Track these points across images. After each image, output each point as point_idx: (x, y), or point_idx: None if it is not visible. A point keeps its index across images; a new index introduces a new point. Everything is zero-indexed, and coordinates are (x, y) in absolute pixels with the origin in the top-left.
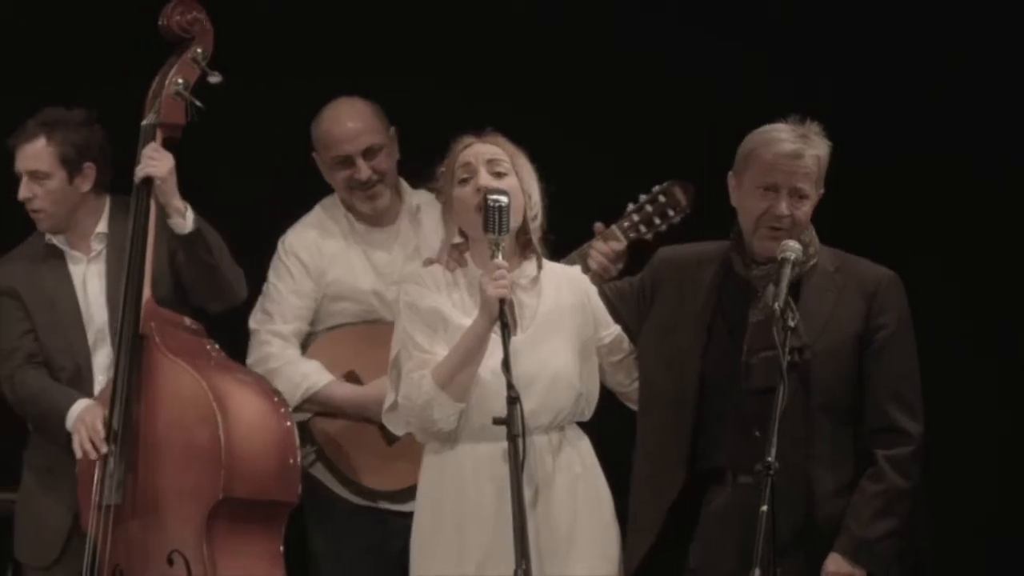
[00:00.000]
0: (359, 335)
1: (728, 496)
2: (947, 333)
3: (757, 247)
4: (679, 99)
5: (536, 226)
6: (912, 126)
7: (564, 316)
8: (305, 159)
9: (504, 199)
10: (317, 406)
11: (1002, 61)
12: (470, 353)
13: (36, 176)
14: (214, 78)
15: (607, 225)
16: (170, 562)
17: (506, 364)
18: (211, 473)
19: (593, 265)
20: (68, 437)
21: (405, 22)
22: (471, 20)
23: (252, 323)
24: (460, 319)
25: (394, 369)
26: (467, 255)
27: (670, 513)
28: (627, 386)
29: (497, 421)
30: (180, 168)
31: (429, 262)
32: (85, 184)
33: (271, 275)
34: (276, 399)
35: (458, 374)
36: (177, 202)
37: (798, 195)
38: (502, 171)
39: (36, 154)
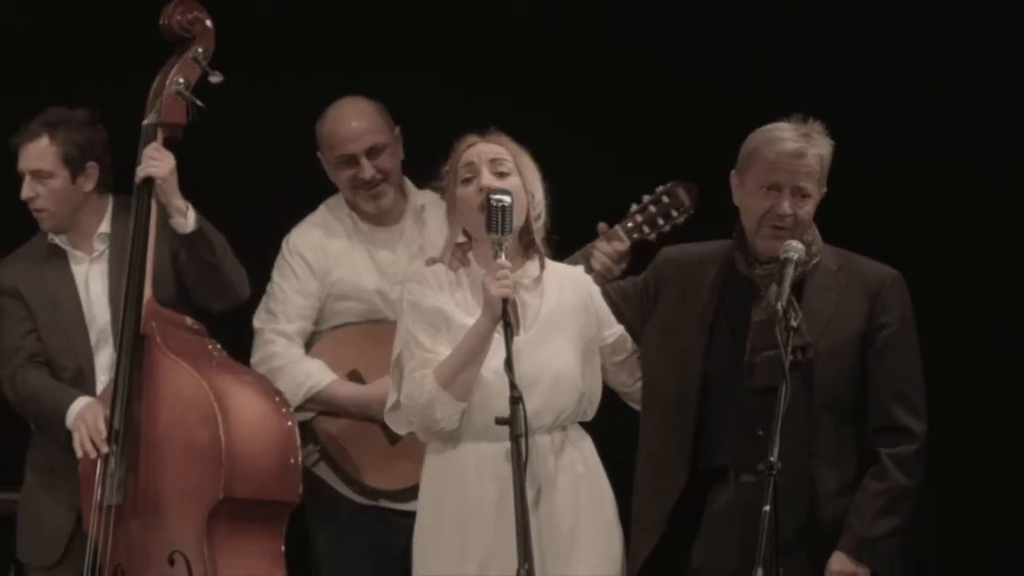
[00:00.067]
0: (363, 334)
1: (731, 495)
2: (947, 333)
3: (760, 246)
4: (680, 99)
5: (540, 226)
6: (913, 126)
7: (567, 316)
8: (306, 159)
9: (507, 199)
10: (320, 405)
11: (1002, 61)
12: (472, 353)
13: (39, 175)
14: (215, 78)
15: (611, 225)
16: (171, 562)
17: (509, 364)
18: (211, 473)
19: (596, 265)
20: (69, 435)
21: (406, 22)
22: (472, 20)
23: (256, 322)
24: (463, 318)
25: (396, 368)
26: (470, 255)
27: (673, 513)
28: (630, 386)
29: (500, 421)
30: (181, 168)
31: (432, 261)
32: (88, 184)
33: (275, 275)
34: (277, 399)
35: (460, 374)
36: (179, 202)
37: (801, 194)
38: (505, 171)
39: (39, 153)
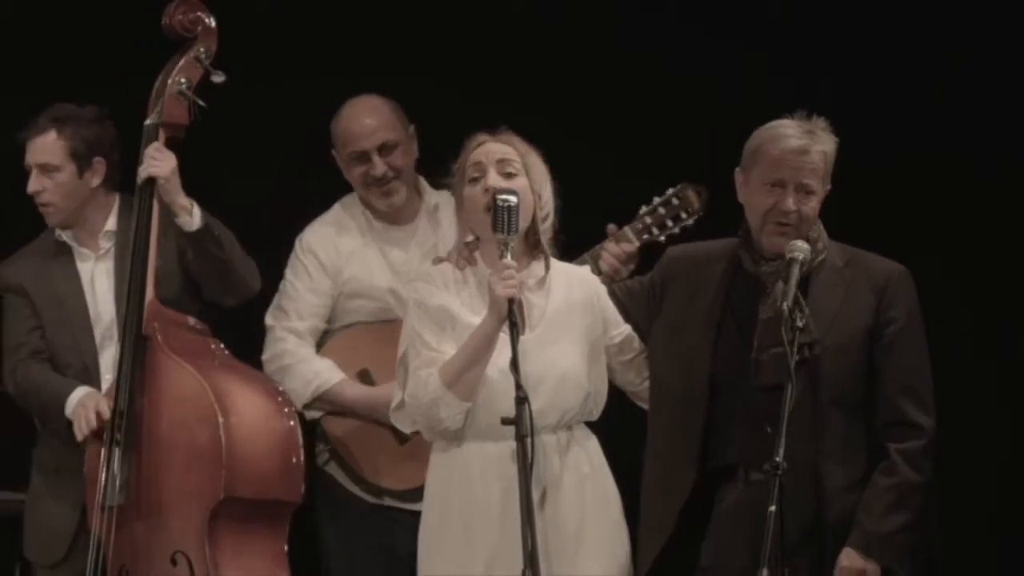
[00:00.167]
0: (374, 334)
1: (740, 493)
2: (948, 333)
3: (765, 243)
4: (680, 99)
5: (547, 226)
6: (913, 126)
7: (573, 316)
8: (307, 159)
9: (513, 199)
10: (328, 405)
11: (1003, 61)
12: (478, 352)
13: (46, 169)
14: (217, 77)
15: (619, 226)
16: (173, 562)
17: (514, 364)
18: (212, 473)
19: (604, 266)
20: (70, 427)
21: (406, 22)
22: (472, 20)
23: (268, 319)
24: (469, 318)
25: (401, 367)
26: (477, 254)
27: (681, 512)
28: (638, 385)
29: (505, 421)
30: (183, 167)
31: (439, 260)
32: (95, 179)
33: (288, 272)
34: (280, 399)
35: (465, 373)
36: (182, 200)
37: (805, 191)
38: (512, 171)
39: (46, 147)
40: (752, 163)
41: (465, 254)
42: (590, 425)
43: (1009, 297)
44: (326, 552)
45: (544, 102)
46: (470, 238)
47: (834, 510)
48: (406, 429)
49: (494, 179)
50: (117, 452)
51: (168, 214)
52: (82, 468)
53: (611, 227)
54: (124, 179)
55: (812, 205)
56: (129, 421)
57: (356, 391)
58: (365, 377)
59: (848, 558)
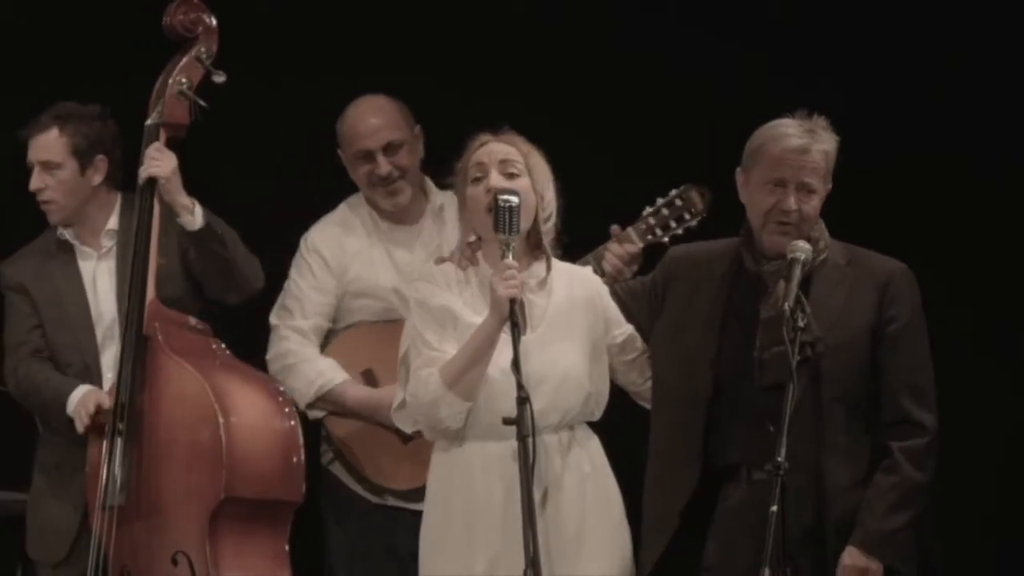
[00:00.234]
0: (378, 334)
1: (743, 493)
2: (948, 333)
3: (766, 242)
4: (680, 99)
5: (549, 227)
6: (913, 126)
7: (574, 316)
8: (308, 159)
9: (514, 200)
10: (330, 405)
11: (1003, 61)
12: (479, 352)
13: (48, 166)
14: (218, 77)
15: (623, 227)
16: (174, 563)
17: (516, 364)
18: (212, 473)
19: (608, 267)
20: (70, 425)
21: (406, 22)
22: (472, 20)
23: (272, 319)
24: (470, 317)
25: (403, 366)
26: (479, 254)
27: (684, 511)
28: (640, 385)
29: (507, 421)
30: (184, 168)
31: (441, 260)
32: (96, 176)
33: (293, 272)
34: (281, 399)
35: (466, 373)
36: (184, 199)
37: (806, 190)
38: (515, 172)
39: (48, 144)
40: (753, 162)
41: (467, 254)
42: (592, 425)
43: (1009, 297)
44: (330, 551)
45: (544, 102)
46: (472, 238)
47: (837, 509)
48: (407, 429)
49: (496, 179)
50: (118, 452)
51: (170, 213)
52: (83, 466)
53: (614, 228)
54: (125, 179)
55: (813, 204)
56: (130, 421)
57: (359, 392)
58: (369, 377)
59: (851, 557)
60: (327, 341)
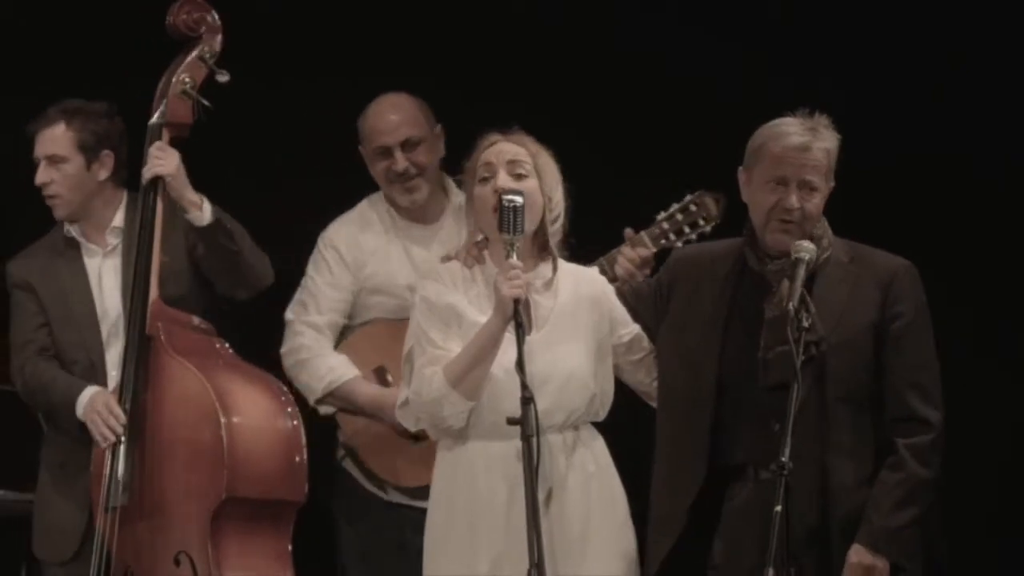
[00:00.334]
0: (392, 332)
1: (750, 492)
2: (948, 333)
3: (769, 241)
4: (680, 99)
5: (557, 228)
6: (913, 126)
7: (579, 316)
8: (311, 158)
9: (519, 200)
10: (340, 401)
11: (1003, 61)
12: (483, 352)
13: (54, 160)
14: (222, 77)
15: (636, 231)
16: (176, 563)
17: (520, 364)
18: (214, 473)
19: (620, 271)
20: (78, 426)
21: (406, 22)
22: (472, 20)
23: (288, 314)
24: (475, 316)
25: (407, 364)
26: (486, 253)
27: (691, 511)
28: (648, 384)
29: (511, 421)
30: (187, 167)
31: (447, 258)
32: (102, 172)
33: (310, 268)
34: (283, 398)
35: (470, 372)
36: (191, 196)
37: (808, 188)
38: (522, 172)
39: (54, 138)
40: (755, 161)
41: (474, 253)
42: (597, 425)
43: (1009, 297)
44: (341, 550)
45: (543, 102)
46: (479, 237)
47: (842, 509)
48: (411, 426)
49: (504, 180)
50: (121, 453)
51: (177, 211)
52: (88, 465)
53: (628, 231)
54: (130, 178)
55: (815, 202)
56: (132, 421)
57: (367, 390)
58: (381, 374)
59: (857, 554)
60: (342, 337)
